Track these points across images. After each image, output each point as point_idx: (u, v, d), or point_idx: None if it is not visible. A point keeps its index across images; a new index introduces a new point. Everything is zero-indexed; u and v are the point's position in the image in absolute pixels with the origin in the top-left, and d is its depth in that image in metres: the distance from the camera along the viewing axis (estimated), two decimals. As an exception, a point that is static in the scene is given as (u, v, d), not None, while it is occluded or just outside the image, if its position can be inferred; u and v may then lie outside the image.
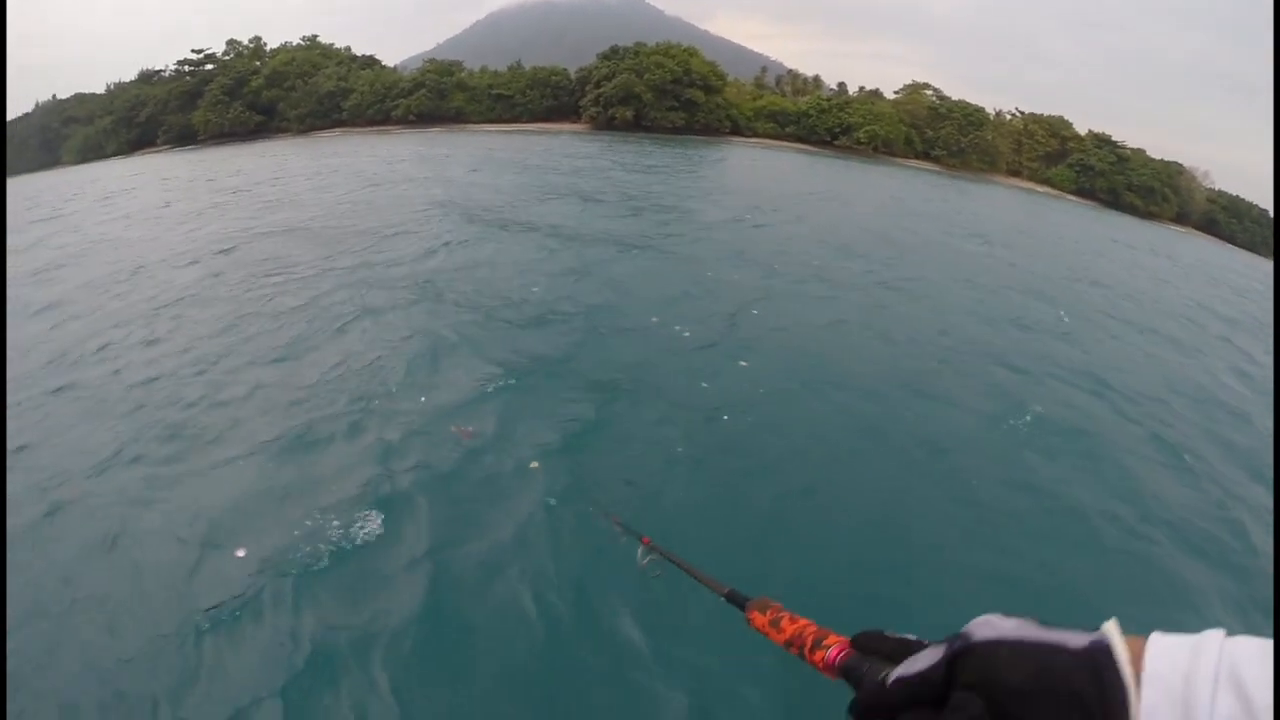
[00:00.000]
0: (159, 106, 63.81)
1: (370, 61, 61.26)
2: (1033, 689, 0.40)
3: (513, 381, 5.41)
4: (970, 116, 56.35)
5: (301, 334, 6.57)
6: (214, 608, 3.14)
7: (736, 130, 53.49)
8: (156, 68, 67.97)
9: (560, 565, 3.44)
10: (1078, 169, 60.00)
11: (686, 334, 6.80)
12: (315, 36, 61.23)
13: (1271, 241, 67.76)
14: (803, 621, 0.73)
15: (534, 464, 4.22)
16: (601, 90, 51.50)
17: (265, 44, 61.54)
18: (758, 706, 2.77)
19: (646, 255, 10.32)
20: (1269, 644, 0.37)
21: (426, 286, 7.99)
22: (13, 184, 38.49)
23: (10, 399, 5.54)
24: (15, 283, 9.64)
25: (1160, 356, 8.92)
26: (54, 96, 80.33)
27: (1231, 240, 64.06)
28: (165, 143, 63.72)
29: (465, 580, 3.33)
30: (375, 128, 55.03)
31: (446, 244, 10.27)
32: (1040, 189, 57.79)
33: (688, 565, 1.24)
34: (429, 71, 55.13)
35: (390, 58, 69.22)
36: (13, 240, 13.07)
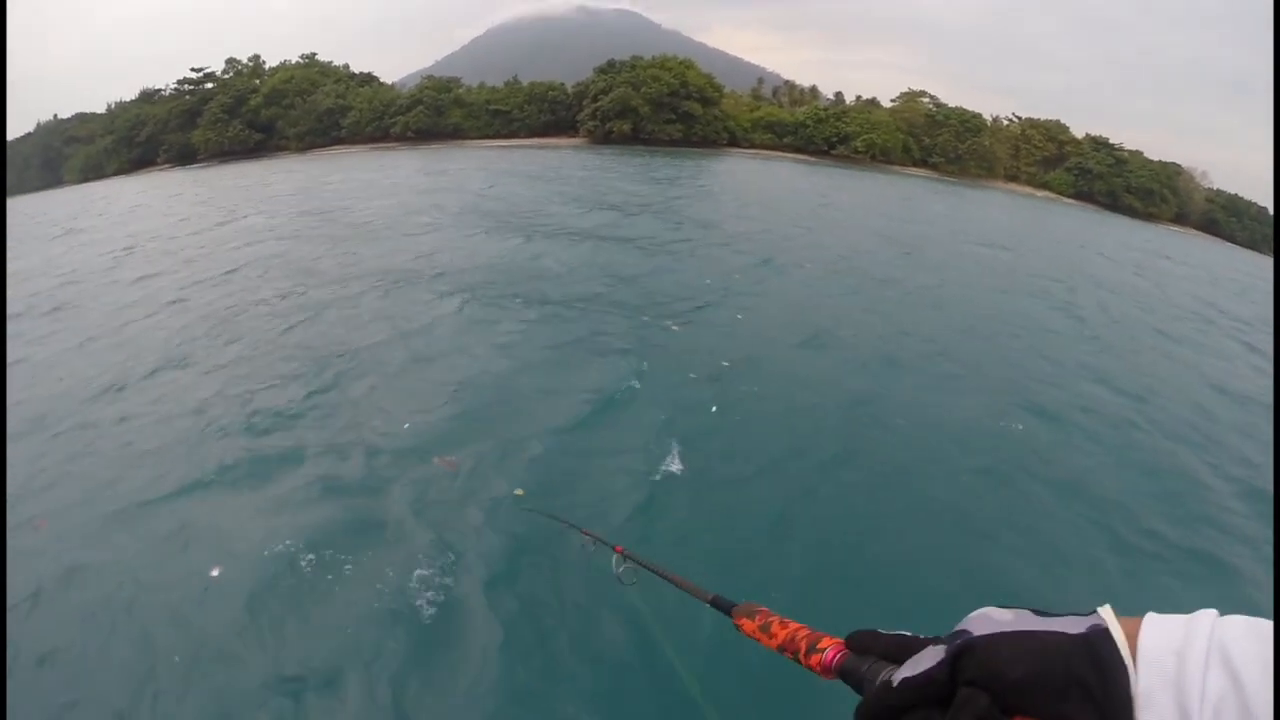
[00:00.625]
0: (159, 126, 64.19)
1: (368, 79, 61.58)
2: (1036, 680, 0.40)
3: (495, 404, 5.43)
4: (967, 123, 56.45)
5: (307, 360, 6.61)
6: (186, 626, 3.19)
7: (734, 141, 53.64)
8: (157, 87, 68.42)
9: (542, 580, 3.44)
10: (1076, 173, 60.05)
11: (675, 328, 7.04)
12: (314, 54, 61.56)
13: (1271, 238, 67.88)
14: (794, 625, 0.73)
15: (518, 490, 4.20)
16: (599, 104, 51.69)
17: (264, 62, 61.89)
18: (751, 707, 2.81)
19: (659, 257, 10.63)
20: (1259, 622, 0.38)
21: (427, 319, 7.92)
22: (26, 202, 38.66)
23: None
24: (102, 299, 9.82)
25: (1182, 359, 9.13)
26: (55, 116, 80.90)
27: (1231, 239, 64.01)
28: (166, 161, 64.10)
29: (443, 606, 3.33)
30: (373, 145, 55.30)
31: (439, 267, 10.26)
32: (1039, 193, 57.84)
33: (666, 572, 1.21)
34: (426, 88, 55.40)
35: (389, 75, 69.57)
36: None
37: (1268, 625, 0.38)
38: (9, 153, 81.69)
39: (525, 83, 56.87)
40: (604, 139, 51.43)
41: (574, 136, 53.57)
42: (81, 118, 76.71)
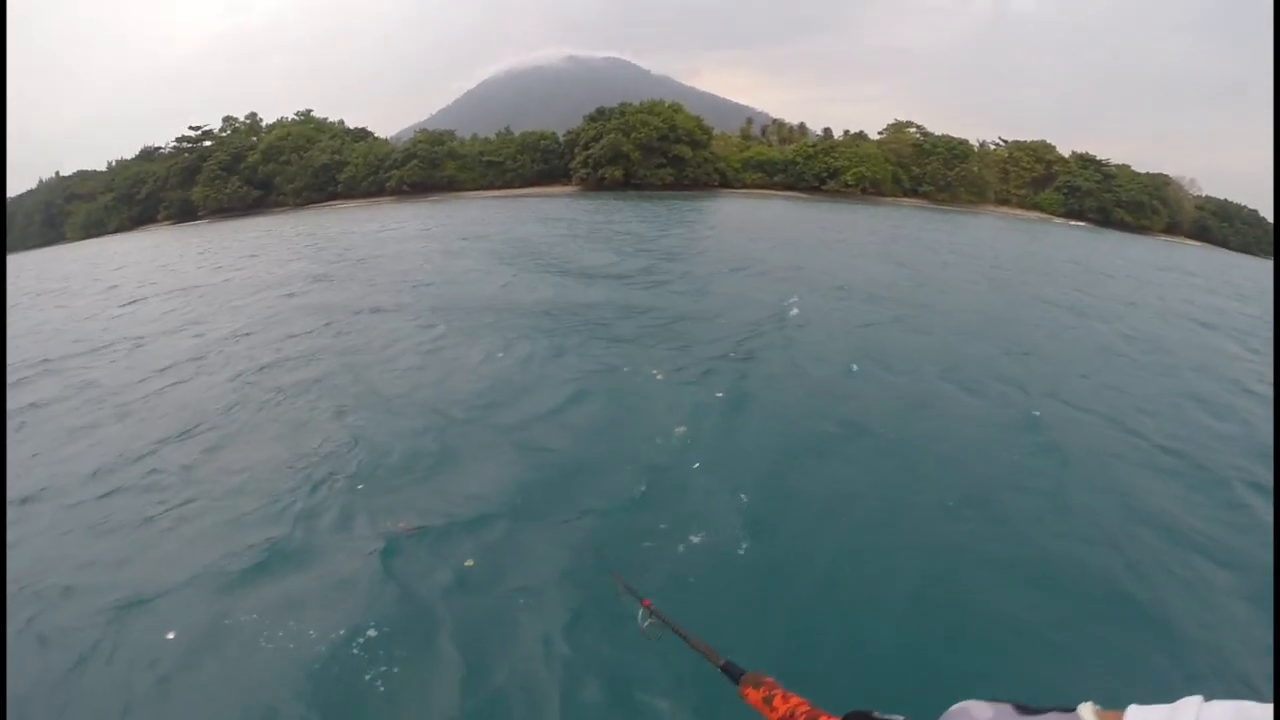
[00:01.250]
0: (159, 183, 65.30)
1: (363, 134, 62.58)
2: None
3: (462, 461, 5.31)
4: (955, 150, 57.14)
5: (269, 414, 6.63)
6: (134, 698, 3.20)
7: (725, 182, 54.39)
8: (157, 145, 69.61)
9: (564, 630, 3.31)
10: (1065, 191, 60.69)
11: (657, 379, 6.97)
12: (309, 111, 62.60)
13: (1266, 241, 68.33)
14: (795, 700, 0.75)
15: (469, 562, 3.99)
16: (590, 151, 52.49)
17: (261, 119, 62.93)
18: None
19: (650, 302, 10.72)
20: (1244, 707, 0.38)
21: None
22: (29, 257, 38.87)
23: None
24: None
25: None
26: (57, 173, 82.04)
27: (1225, 244, 64.44)
28: (166, 219, 65.13)
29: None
30: (369, 199, 56.20)
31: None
32: (1030, 215, 58.45)
33: (686, 633, 1.26)
34: (420, 142, 56.30)
35: (384, 130, 70.66)
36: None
37: (1252, 709, 0.37)
38: (10, 209, 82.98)
39: (517, 133, 57.76)
40: (596, 186, 52.21)
41: (567, 185, 54.37)
42: (83, 175, 77.89)
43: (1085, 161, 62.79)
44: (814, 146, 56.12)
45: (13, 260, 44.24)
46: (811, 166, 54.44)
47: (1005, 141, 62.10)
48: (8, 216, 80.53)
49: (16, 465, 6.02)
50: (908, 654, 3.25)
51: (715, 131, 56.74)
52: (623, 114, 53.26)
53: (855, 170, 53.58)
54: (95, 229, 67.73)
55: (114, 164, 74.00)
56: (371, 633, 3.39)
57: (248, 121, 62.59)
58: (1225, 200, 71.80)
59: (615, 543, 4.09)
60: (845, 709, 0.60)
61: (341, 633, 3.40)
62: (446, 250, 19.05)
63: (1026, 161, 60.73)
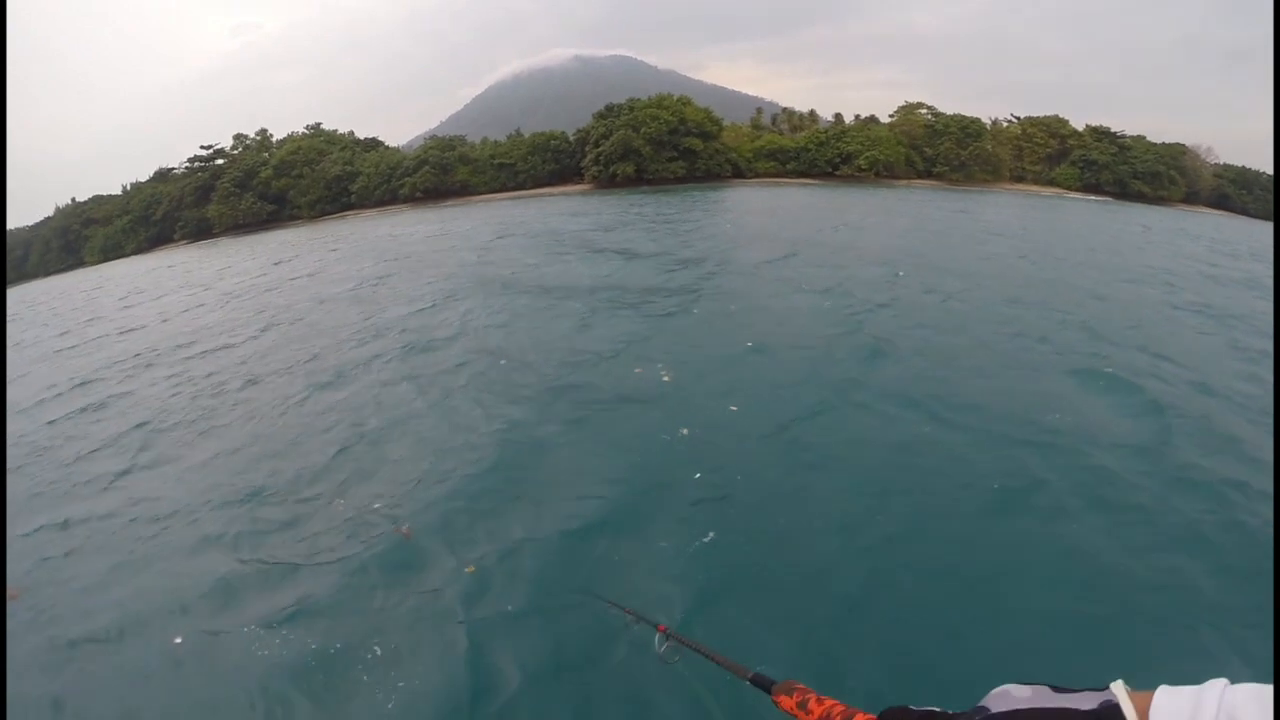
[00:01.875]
0: (174, 204, 65.97)
1: (374, 144, 62.94)
2: None
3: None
4: (967, 128, 56.56)
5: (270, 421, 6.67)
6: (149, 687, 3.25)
7: (738, 173, 54.15)
8: (170, 166, 70.37)
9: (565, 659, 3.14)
10: (1081, 165, 59.90)
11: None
12: (319, 124, 63.05)
13: (1285, 208, 67.23)
14: (829, 702, 0.76)
15: (469, 568, 3.82)
16: (600, 149, 52.44)
17: (271, 135, 63.44)
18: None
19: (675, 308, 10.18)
20: (1265, 690, 0.40)
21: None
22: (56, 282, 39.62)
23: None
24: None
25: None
26: (73, 200, 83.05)
27: (1245, 212, 63.36)
28: (183, 238, 65.82)
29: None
30: (383, 208, 56.49)
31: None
32: (1047, 191, 57.75)
33: (709, 650, 1.24)
34: (431, 148, 56.53)
35: (395, 140, 71.07)
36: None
37: (1273, 691, 0.39)
38: (28, 237, 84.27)
39: (527, 134, 57.86)
40: (609, 183, 52.15)
41: (579, 183, 54.38)
42: (98, 200, 78.88)
43: (1100, 134, 61.95)
44: (825, 133, 55.78)
45: (42, 284, 44.84)
46: (824, 153, 54.11)
47: (1018, 118, 61.38)
48: (28, 245, 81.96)
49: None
50: (942, 647, 3.11)
51: (725, 122, 56.54)
52: (631, 110, 53.19)
53: (868, 154, 53.19)
54: (113, 252, 68.56)
55: (129, 187, 74.91)
56: (371, 642, 3.31)
57: (258, 138, 63.13)
58: (1244, 167, 70.60)
59: (629, 563, 3.82)
60: (880, 708, 0.60)
61: (339, 644, 3.34)
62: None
63: (1040, 137, 60.00)
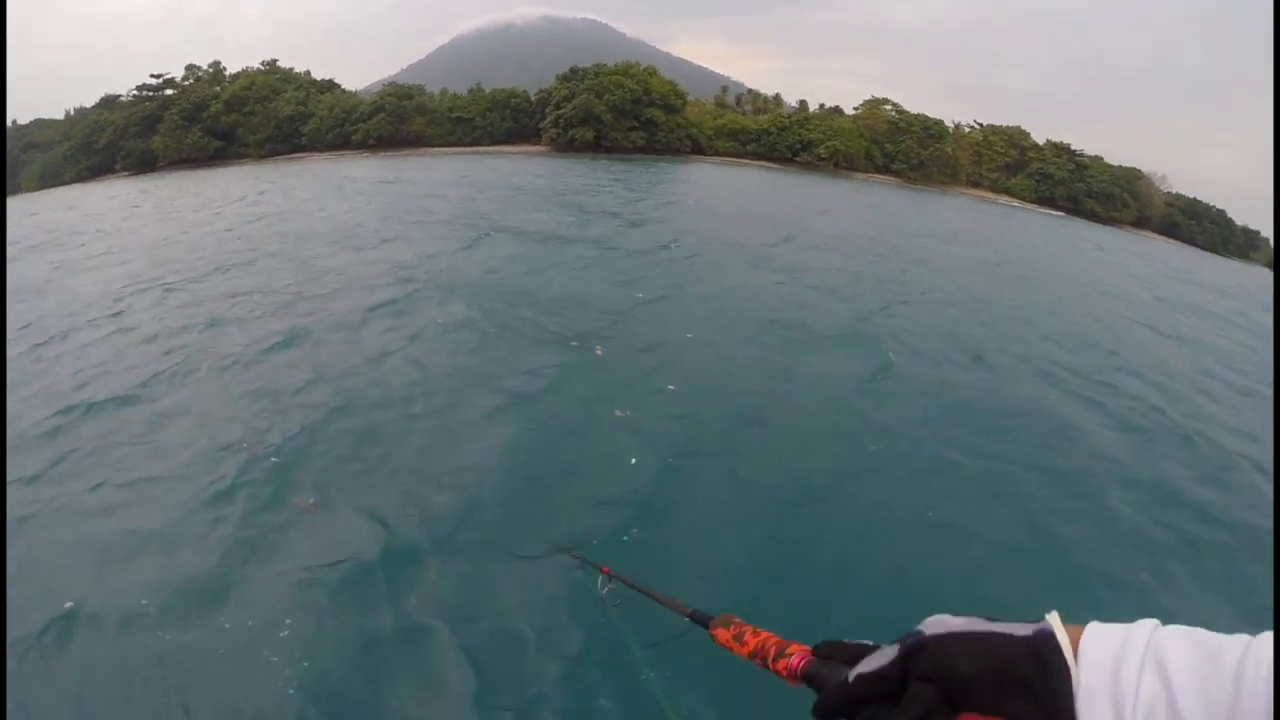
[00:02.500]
0: (118, 132, 63.00)
1: (330, 85, 60.89)
2: (982, 675, 0.42)
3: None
4: (930, 129, 57.05)
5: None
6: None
7: (698, 149, 53.70)
8: (117, 93, 67.18)
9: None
10: (1037, 178, 60.97)
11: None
12: (275, 61, 60.76)
13: (1232, 242, 69.58)
14: (765, 634, 0.76)
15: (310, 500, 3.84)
16: (561, 111, 51.51)
17: (225, 69, 60.99)
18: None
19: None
20: (1196, 632, 0.41)
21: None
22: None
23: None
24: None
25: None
26: (14, 122, 78.95)
27: (1192, 242, 65.49)
28: (125, 169, 62.88)
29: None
30: (335, 152, 54.68)
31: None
32: (1001, 199, 58.61)
33: (650, 590, 1.25)
34: (388, 95, 54.89)
35: (353, 84, 68.85)
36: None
37: (1205, 635, 0.40)
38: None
39: (487, 90, 56.54)
40: (567, 146, 51.23)
41: (536, 144, 53.32)
42: (40, 124, 75.10)
43: (1059, 150, 63.17)
44: (789, 118, 55.68)
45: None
46: (785, 138, 53.99)
47: (981, 125, 62.20)
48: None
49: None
50: (880, 584, 3.47)
51: (690, 98, 56.02)
52: (596, 75, 52.34)
53: (829, 144, 53.21)
54: (52, 179, 65.25)
55: (72, 112, 71.41)
56: (289, 619, 3.13)
57: (210, 70, 60.61)
58: (1195, 199, 72.91)
59: (574, 515, 3.93)
60: (813, 641, 0.62)
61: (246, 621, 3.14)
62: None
63: (1000, 146, 60.90)
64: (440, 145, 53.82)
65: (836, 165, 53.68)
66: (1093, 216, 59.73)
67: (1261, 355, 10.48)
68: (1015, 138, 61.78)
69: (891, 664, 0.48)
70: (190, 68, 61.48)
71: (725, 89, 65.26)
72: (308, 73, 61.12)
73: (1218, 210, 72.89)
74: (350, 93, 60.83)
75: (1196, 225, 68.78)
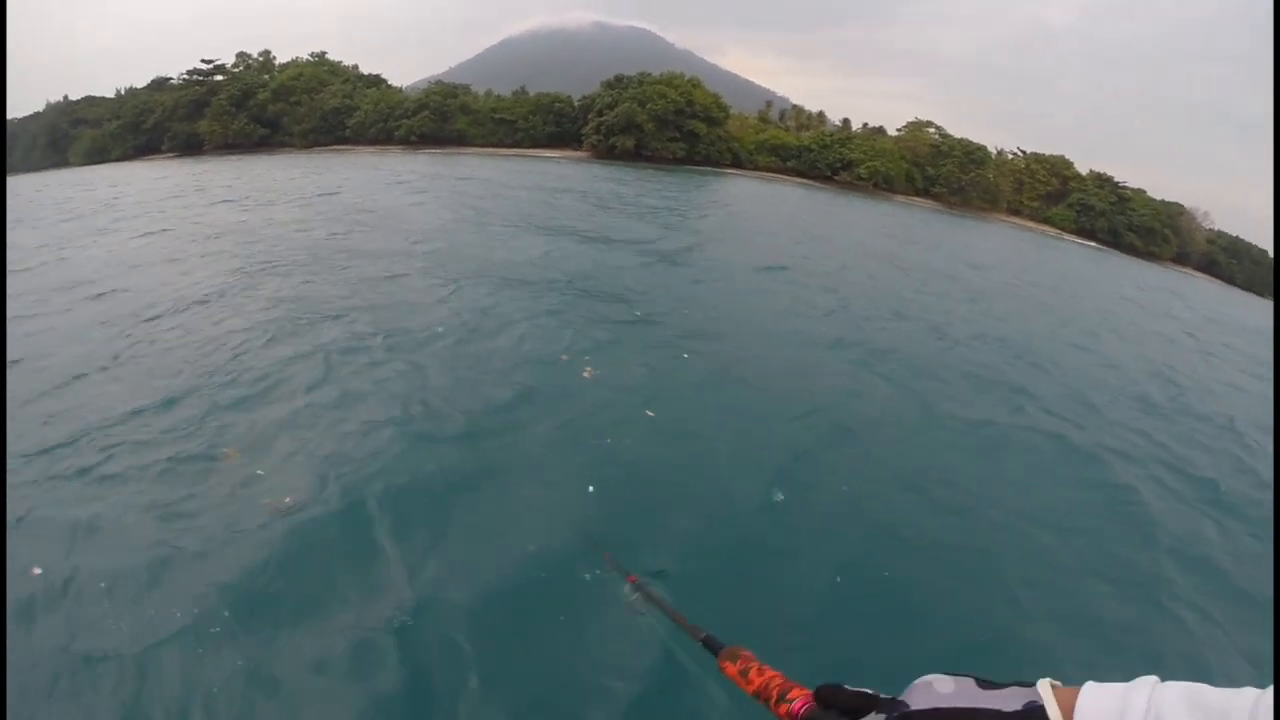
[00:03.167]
0: (166, 114, 64.31)
1: (376, 80, 61.67)
2: None
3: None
4: (972, 155, 56.50)
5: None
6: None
7: (738, 163, 53.64)
8: (168, 76, 68.60)
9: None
10: (1078, 209, 60.11)
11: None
12: (324, 53, 61.70)
13: (1269, 281, 68.11)
14: (770, 673, 0.78)
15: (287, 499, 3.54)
16: (604, 118, 51.70)
17: (274, 58, 62.01)
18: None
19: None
20: (1197, 689, 0.39)
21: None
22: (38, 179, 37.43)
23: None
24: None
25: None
26: (65, 97, 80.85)
27: (1231, 281, 64.25)
28: (170, 150, 64.18)
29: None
30: (377, 146, 55.34)
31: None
32: (1040, 228, 57.86)
33: (669, 606, 1.30)
34: (433, 93, 55.46)
35: (400, 80, 69.66)
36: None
37: (1208, 694, 0.38)
38: (14, 130, 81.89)
39: (532, 93, 56.94)
40: (607, 153, 51.43)
41: (577, 149, 53.59)
42: (91, 100, 76.78)
43: (1102, 181, 62.25)
44: (831, 136, 55.42)
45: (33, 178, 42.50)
46: (826, 156, 53.74)
47: (1023, 152, 61.46)
48: (14, 139, 79.64)
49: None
50: (885, 633, 3.29)
51: (733, 110, 55.99)
52: (640, 84, 52.47)
53: (870, 164, 52.90)
54: (98, 155, 66.71)
55: (123, 92, 72.99)
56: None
57: (261, 59, 61.65)
58: (1236, 237, 71.55)
59: (611, 513, 3.76)
60: (818, 683, 0.63)
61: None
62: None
63: (1042, 174, 60.13)
64: (481, 145, 54.28)
65: (876, 186, 53.35)
66: (1131, 250, 58.79)
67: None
68: (1058, 166, 60.98)
69: None
70: (241, 55, 62.67)
71: (769, 104, 65.16)
72: (355, 67, 61.98)
73: (1260, 250, 71.46)
74: (396, 89, 61.56)
75: (1236, 264, 67.50)
